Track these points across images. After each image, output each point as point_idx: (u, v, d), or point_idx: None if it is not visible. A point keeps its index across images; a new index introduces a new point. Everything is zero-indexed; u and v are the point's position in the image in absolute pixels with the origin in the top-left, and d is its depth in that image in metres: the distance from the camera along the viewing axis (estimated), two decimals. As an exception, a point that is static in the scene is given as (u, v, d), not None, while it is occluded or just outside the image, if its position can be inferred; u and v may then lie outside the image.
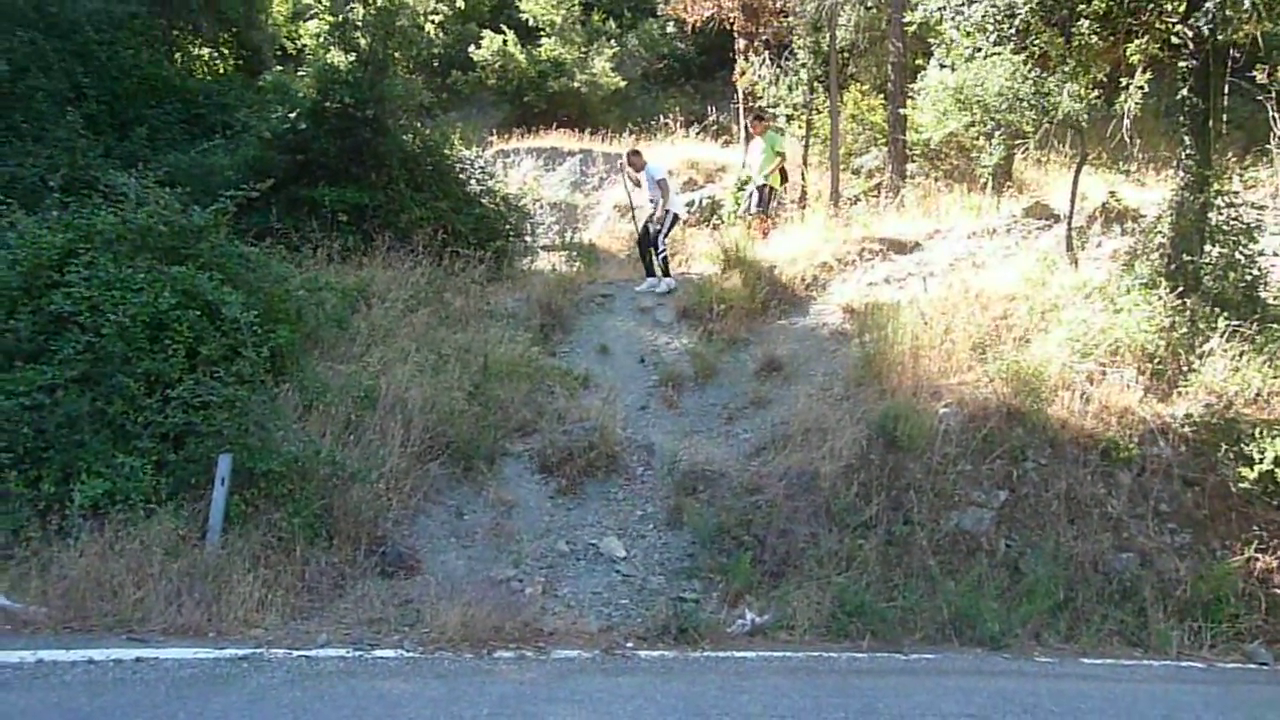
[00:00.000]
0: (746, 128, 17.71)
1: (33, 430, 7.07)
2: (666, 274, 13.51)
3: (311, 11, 26.64)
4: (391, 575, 7.57)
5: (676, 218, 13.97)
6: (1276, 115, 12.85)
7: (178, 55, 17.64)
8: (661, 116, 23.33)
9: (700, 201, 17.39)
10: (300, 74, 15.93)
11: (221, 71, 18.64)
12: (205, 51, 18.90)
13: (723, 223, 16.36)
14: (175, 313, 7.82)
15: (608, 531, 8.75)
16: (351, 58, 14.27)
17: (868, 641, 7.23)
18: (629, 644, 6.84)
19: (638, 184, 14.21)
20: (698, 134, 22.48)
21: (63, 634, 5.96)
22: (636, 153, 14.42)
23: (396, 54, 15.24)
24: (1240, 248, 10.22)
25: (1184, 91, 10.45)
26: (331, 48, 16.72)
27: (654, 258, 13.58)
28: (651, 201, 13.83)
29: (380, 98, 13.31)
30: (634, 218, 14.55)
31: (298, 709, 5.16)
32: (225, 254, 8.80)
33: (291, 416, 8.20)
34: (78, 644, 5.77)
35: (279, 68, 20.83)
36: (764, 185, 14.99)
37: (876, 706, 5.88)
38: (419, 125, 14.29)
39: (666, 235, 13.69)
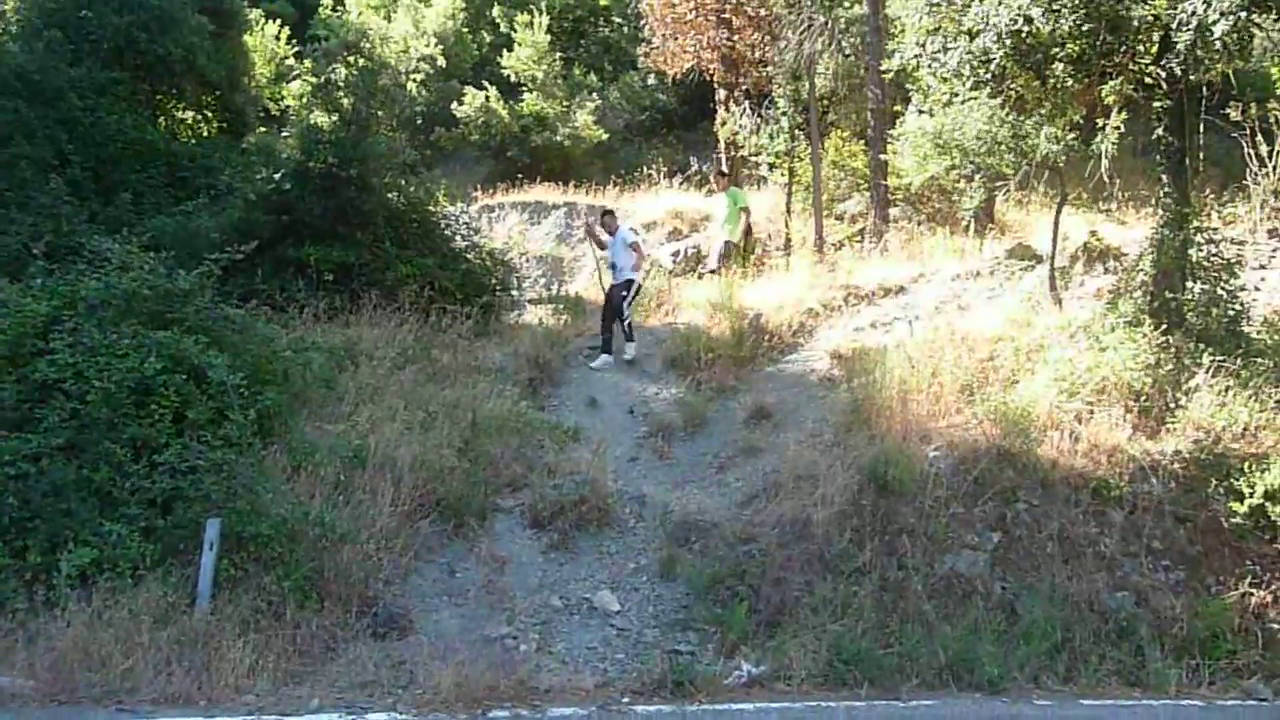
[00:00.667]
0: (713, 183, 17.82)
1: (18, 500, 7.03)
2: (630, 339, 13.28)
3: (294, 73, 26.96)
4: (384, 636, 7.50)
5: (640, 286, 13.85)
6: (1251, 151, 13.02)
7: (161, 119, 17.75)
8: (645, 167, 23.44)
9: (685, 251, 17.45)
10: (284, 135, 16.11)
11: (205, 134, 18.74)
12: (189, 115, 19.00)
13: (710, 272, 16.41)
14: (161, 377, 7.82)
15: (601, 585, 8.70)
16: (334, 118, 14.39)
17: (865, 689, 7.18)
18: (625, 699, 6.79)
19: (602, 246, 14.09)
20: (681, 184, 22.58)
21: (50, 707, 5.90)
22: (610, 213, 14.33)
23: (379, 113, 15.33)
24: (1222, 283, 10.29)
25: (1160, 131, 10.58)
26: (314, 108, 16.91)
27: (620, 326, 13.29)
28: (613, 266, 13.59)
29: (364, 157, 13.39)
30: (599, 279, 14.46)
31: (290, 777, 5.11)
32: (211, 317, 8.83)
33: (280, 478, 8.18)
34: (66, 717, 5.72)
35: (263, 129, 21.01)
36: (726, 241, 15.01)
37: (876, 756, 5.84)
38: (403, 183, 14.39)
39: (630, 303, 13.43)
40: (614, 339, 13.30)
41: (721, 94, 18.87)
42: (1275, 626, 8.16)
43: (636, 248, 13.56)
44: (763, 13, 18.24)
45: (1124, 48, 10.44)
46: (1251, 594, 8.28)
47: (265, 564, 7.40)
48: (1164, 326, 9.97)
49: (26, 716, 5.69)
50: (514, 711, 6.37)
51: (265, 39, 27.14)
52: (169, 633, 6.58)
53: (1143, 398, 9.52)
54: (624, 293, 13.38)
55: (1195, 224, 10.44)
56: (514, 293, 15.36)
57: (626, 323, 13.33)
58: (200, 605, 6.97)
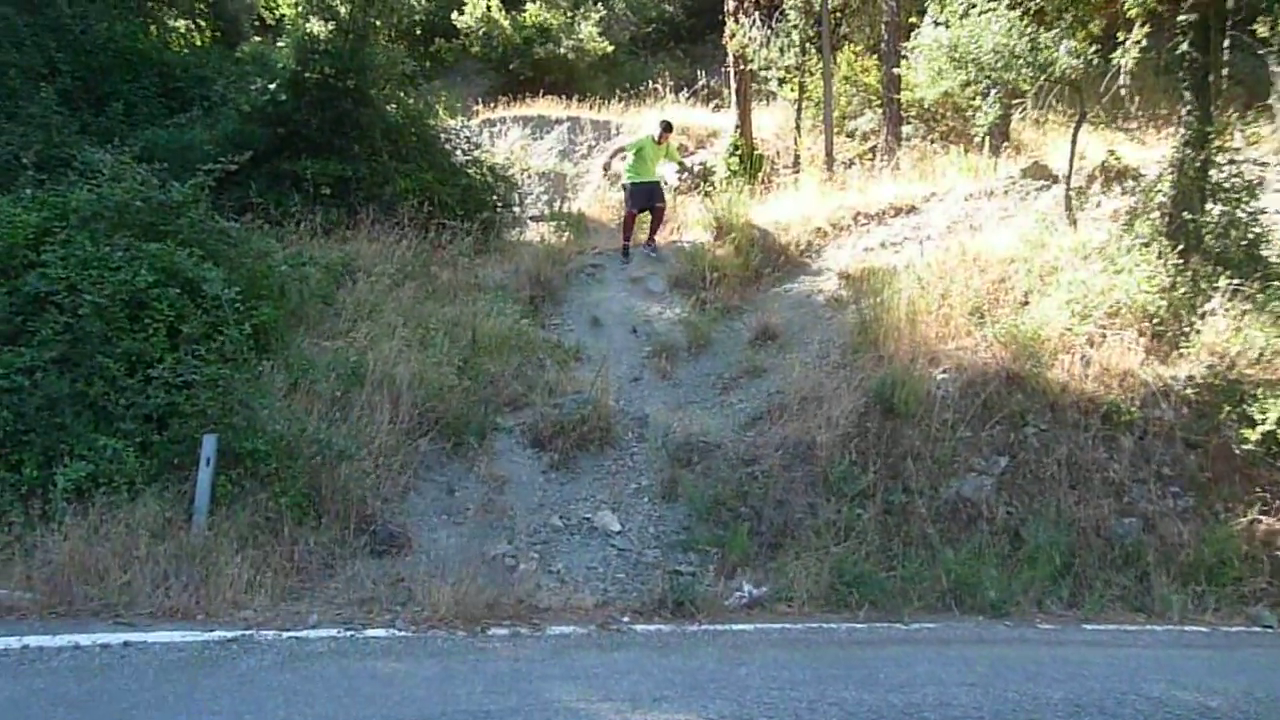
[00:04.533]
0: (735, 93, 17.61)
1: (12, 414, 7.03)
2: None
3: (290, -21, 26.48)
4: (382, 554, 7.57)
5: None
6: (1278, 70, 12.81)
7: (153, 28, 17.44)
8: (650, 82, 23.16)
9: (692, 168, 17.31)
10: (279, 44, 15.85)
11: (198, 44, 18.48)
12: (181, 23, 18.72)
13: (714, 189, 16.29)
14: (155, 291, 7.77)
15: (602, 505, 8.77)
16: (331, 26, 14.21)
17: (866, 612, 7.26)
18: (625, 619, 6.86)
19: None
20: (688, 99, 22.34)
21: (48, 619, 5.95)
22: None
23: (377, 22, 15.07)
24: (1241, 205, 10.20)
25: (1184, 46, 10.40)
26: (310, 17, 16.57)
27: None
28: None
29: (361, 67, 13.24)
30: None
31: (289, 691, 5.17)
32: (205, 230, 8.76)
33: (276, 395, 8.18)
34: (64, 629, 5.76)
35: (257, 39, 20.71)
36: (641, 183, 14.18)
37: (877, 677, 5.90)
38: (402, 95, 14.23)
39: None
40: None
41: (730, 5, 18.50)
42: (1282, 553, 8.23)
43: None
44: (774, -82, 17.88)
45: (1149, -43, 10.24)
46: (1260, 521, 8.34)
47: (262, 480, 7.42)
48: (1181, 248, 9.91)
49: (25, 629, 5.75)
50: (513, 629, 6.43)
51: (259, -57, 26.66)
52: (166, 548, 6.62)
53: (1157, 321, 9.51)
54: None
55: (1217, 144, 10.32)
56: (515, 209, 15.27)
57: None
58: (197, 521, 7.00)
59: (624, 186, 14.20)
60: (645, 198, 13.86)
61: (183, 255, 8.16)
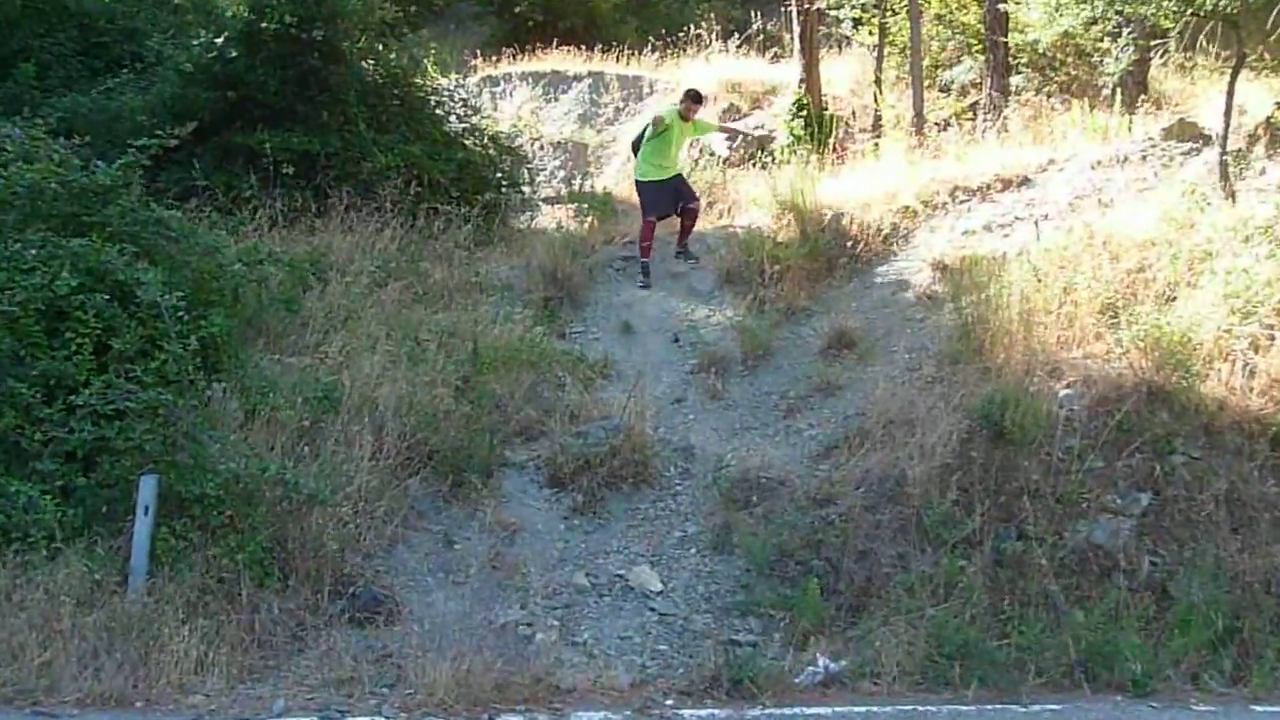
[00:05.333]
0: (799, 39, 17.58)
1: (-99, 454, 7.13)
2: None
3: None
4: (364, 623, 7.60)
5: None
6: None
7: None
8: (691, 26, 23.19)
9: (747, 134, 17.33)
10: (228, -12, 16.00)
11: (128, -12, 18.67)
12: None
13: (774, 160, 16.30)
14: (78, 297, 7.83)
15: (638, 559, 8.79)
16: (292, -36, 14.30)
17: (974, 690, 7.22)
18: (669, 702, 6.86)
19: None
20: (739, 48, 22.36)
21: (-49, 709, 6.02)
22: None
23: (350, -42, 15.23)
24: None
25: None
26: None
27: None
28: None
29: (330, 15, 13.32)
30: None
31: (250, 795, 5.21)
32: (139, 221, 8.84)
33: (230, 425, 8.25)
34: (-30, 720, 5.83)
35: (201, -19, 20.84)
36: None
37: (988, 773, 5.89)
38: (381, 48, 14.32)
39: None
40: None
41: (792, -74, 18.56)
42: None
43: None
44: None
45: None
46: None
47: (214, 533, 7.48)
48: (1370, 226, 9.82)
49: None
50: (529, 716, 6.45)
51: None
52: (96, 618, 6.68)
53: (1340, 319, 9.42)
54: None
55: None
56: (525, 189, 15.33)
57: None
58: (134, 584, 7.06)
59: (637, 184, 13.70)
60: (669, 200, 13.41)
61: (112, 252, 8.22)
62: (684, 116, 13.60)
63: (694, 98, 13.90)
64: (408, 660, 6.93)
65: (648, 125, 13.73)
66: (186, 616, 6.89)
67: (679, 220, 13.56)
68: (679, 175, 13.82)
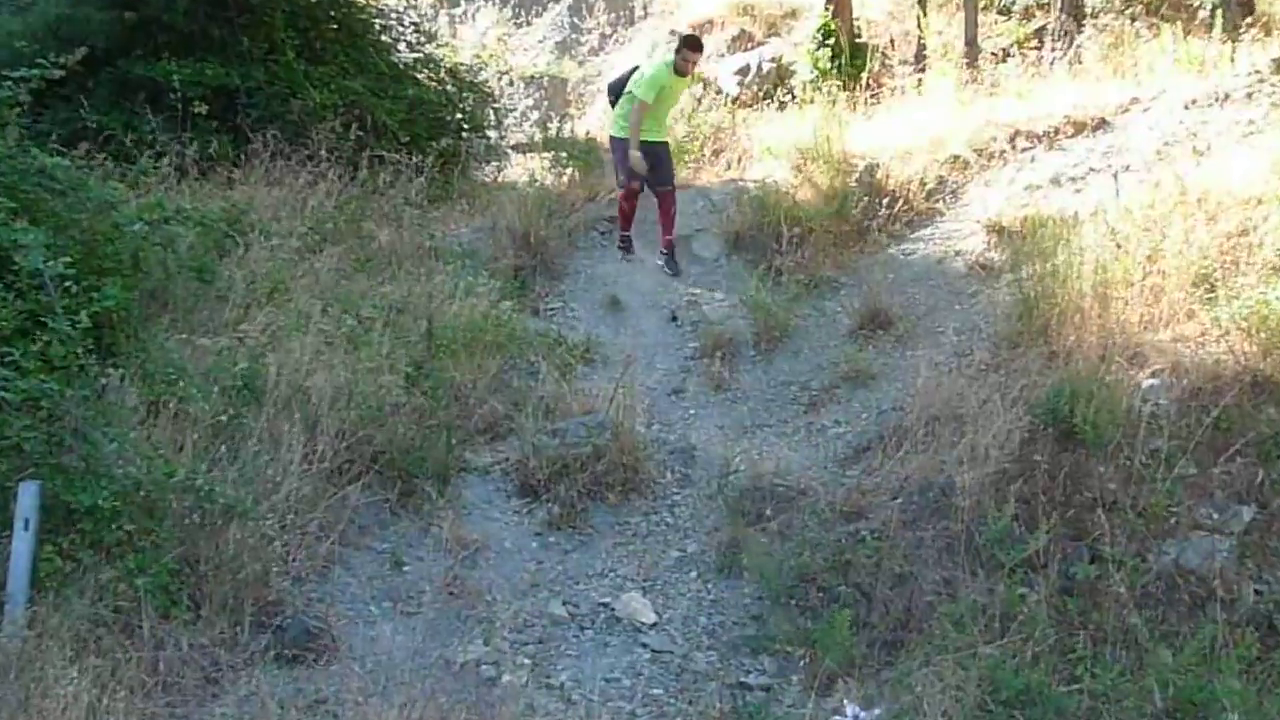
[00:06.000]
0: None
1: None
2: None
3: None
4: (293, 661, 7.57)
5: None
6: None
7: None
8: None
9: (759, 67, 17.33)
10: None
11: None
12: None
13: (795, 99, 16.28)
14: (-59, 265, 7.83)
15: (627, 584, 8.78)
16: None
17: (1037, 745, 7.22)
18: (664, 758, 6.87)
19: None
20: (752, -42, 22.38)
21: None
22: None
23: None
24: None
25: None
26: None
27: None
28: None
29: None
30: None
31: None
32: (17, 170, 8.79)
33: (129, 421, 8.20)
34: None
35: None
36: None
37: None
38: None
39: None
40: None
41: None
42: None
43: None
44: None
45: None
46: None
47: (109, 551, 7.42)
48: None
49: None
50: (493, 776, 6.45)
51: None
52: (-36, 656, 6.67)
53: None
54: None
55: None
56: (490, 134, 15.30)
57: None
58: (11, 614, 7.02)
59: (612, 140, 13.48)
60: (650, 164, 12.99)
61: (-17, 209, 8.21)
62: (680, 72, 13.22)
63: (692, 45, 13.50)
64: (346, 707, 6.92)
65: (635, 69, 13.57)
66: (76, 654, 6.84)
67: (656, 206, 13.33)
68: (666, 143, 13.58)
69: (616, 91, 13.59)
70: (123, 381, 8.43)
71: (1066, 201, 11.93)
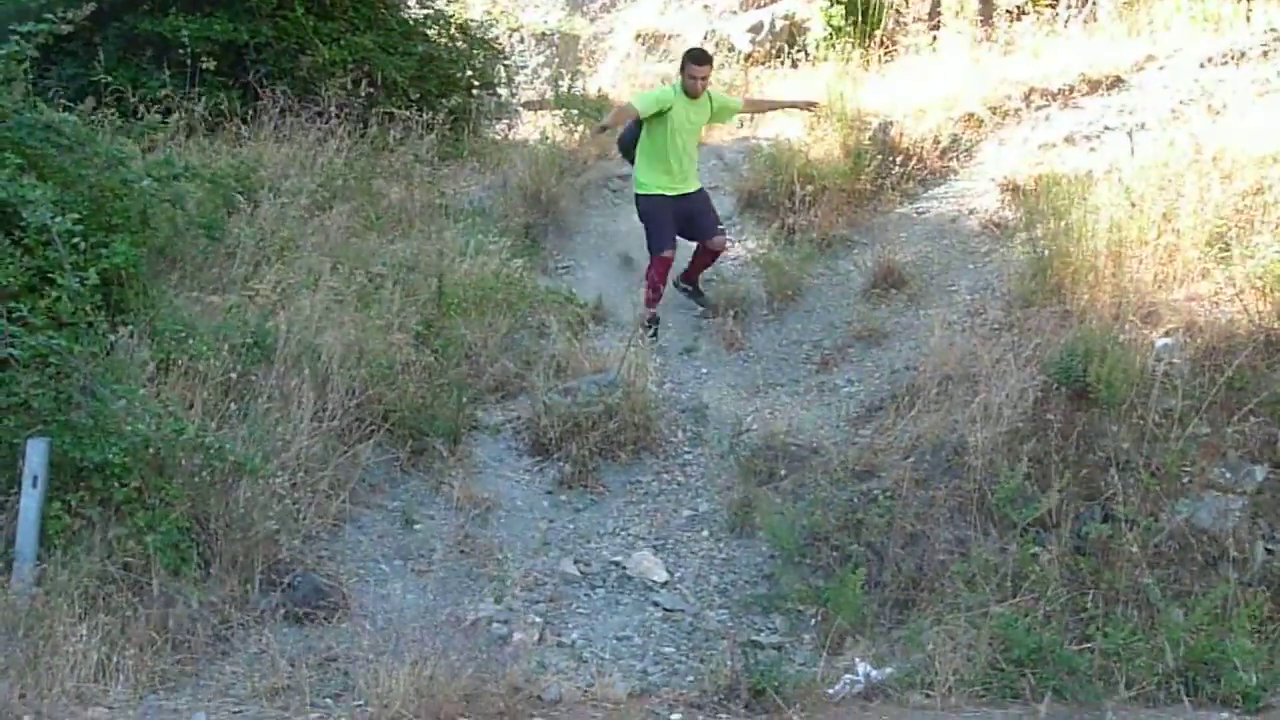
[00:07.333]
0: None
1: None
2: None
3: None
4: (304, 619, 7.58)
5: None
6: None
7: None
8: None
9: (772, 24, 17.25)
10: None
11: None
12: None
13: (808, 57, 16.21)
14: (-51, 221, 7.81)
15: (639, 543, 8.80)
16: None
17: (1049, 704, 7.20)
18: (675, 716, 6.85)
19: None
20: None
21: None
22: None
23: None
24: None
25: None
26: None
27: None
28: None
29: None
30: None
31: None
32: (24, 125, 8.76)
33: (139, 378, 8.19)
34: None
35: None
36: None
37: (1065, 804, 5.88)
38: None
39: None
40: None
41: None
42: None
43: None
44: None
45: None
46: None
47: (118, 509, 7.43)
48: None
49: None
50: (505, 732, 6.45)
51: None
52: (-27, 612, 6.68)
53: None
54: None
55: None
56: (501, 91, 15.26)
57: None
58: (20, 571, 7.03)
59: (637, 199, 11.59)
60: (682, 221, 11.42)
61: (-10, 165, 8.18)
62: (690, 93, 11.29)
63: (696, 59, 11.41)
64: (357, 665, 6.91)
65: (639, 100, 11.56)
66: (85, 611, 6.85)
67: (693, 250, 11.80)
68: (700, 191, 11.79)
69: (629, 145, 11.82)
70: (132, 338, 8.42)
71: (1081, 160, 11.88)
